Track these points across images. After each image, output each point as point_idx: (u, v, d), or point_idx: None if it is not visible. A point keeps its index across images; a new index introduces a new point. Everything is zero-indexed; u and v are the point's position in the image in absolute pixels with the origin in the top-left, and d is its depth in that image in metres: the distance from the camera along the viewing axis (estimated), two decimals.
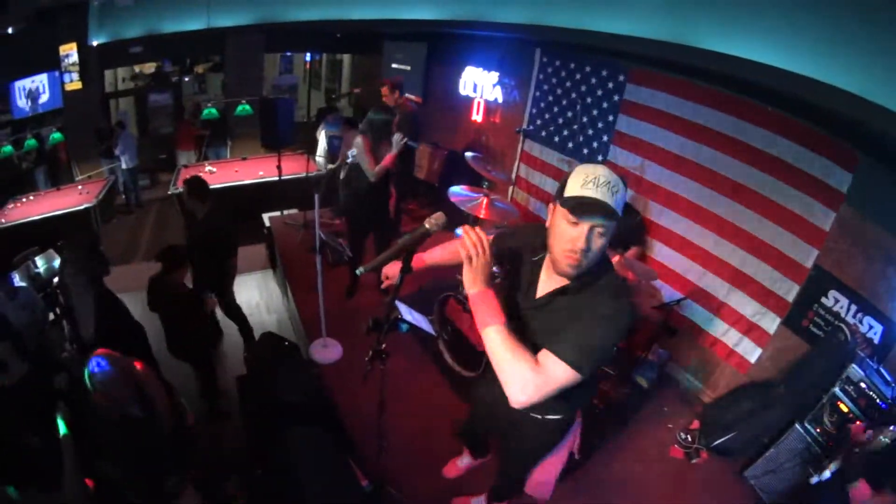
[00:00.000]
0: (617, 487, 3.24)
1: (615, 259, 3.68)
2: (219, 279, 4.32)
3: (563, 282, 1.69)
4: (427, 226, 1.75)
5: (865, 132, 2.84)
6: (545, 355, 1.56)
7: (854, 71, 2.43)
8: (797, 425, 3.04)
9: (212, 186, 6.64)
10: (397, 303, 2.85)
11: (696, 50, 3.13)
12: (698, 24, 3.14)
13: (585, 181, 1.51)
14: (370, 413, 2.57)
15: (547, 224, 1.67)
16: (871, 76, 2.37)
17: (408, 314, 2.94)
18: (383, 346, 2.21)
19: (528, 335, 1.74)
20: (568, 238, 1.55)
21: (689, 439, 3.58)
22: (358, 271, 1.91)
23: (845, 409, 2.85)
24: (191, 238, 4.20)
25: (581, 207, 1.50)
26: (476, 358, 3.60)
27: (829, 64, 2.52)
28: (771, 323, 3.67)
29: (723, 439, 3.42)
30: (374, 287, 4.80)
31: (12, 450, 2.64)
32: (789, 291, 3.54)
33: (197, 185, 4.15)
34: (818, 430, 2.96)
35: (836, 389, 2.88)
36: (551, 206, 1.64)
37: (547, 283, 1.77)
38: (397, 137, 4.04)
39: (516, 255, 1.90)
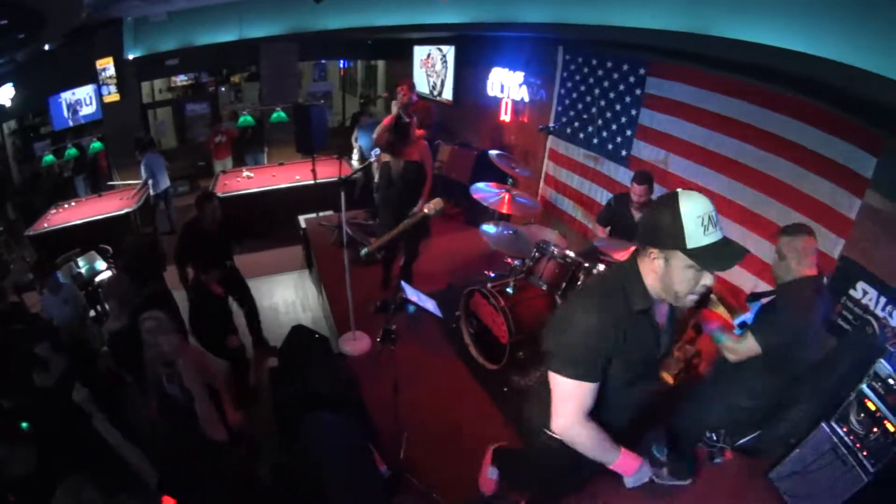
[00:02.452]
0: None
1: (631, 250, 3.66)
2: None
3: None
4: (426, 210, 1.87)
5: (890, 114, 2.74)
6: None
7: (875, 51, 2.37)
8: (823, 424, 2.91)
9: (250, 191, 7.26)
10: (403, 284, 2.95)
11: (715, 39, 3.10)
12: (717, 13, 3.11)
13: (703, 223, 1.42)
14: (392, 401, 2.64)
15: (652, 268, 1.57)
16: (893, 55, 2.32)
17: (413, 295, 3.00)
18: (393, 326, 2.28)
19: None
20: (697, 283, 1.51)
21: (714, 438, 3.50)
22: (361, 253, 2.01)
23: (873, 407, 2.69)
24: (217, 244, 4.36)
25: (724, 259, 1.44)
26: (499, 351, 3.65)
27: (850, 45, 2.46)
28: None
29: (748, 438, 3.34)
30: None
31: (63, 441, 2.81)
32: None
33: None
34: (845, 429, 2.81)
35: (864, 386, 2.74)
36: (655, 251, 1.53)
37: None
38: None
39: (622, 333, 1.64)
